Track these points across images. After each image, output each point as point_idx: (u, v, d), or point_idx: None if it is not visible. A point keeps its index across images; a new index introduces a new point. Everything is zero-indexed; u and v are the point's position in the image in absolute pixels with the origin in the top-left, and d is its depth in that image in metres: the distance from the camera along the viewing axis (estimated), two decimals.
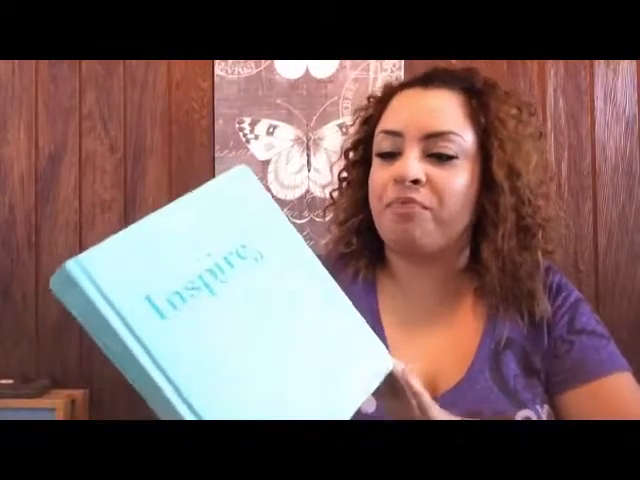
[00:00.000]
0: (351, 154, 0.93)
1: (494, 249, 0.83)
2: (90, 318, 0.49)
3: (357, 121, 0.94)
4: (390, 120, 0.86)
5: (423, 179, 0.81)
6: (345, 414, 0.57)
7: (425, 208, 0.81)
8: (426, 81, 0.86)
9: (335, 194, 0.96)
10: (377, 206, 0.85)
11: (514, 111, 0.86)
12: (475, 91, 0.85)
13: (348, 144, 0.94)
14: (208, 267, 0.54)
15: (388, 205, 0.83)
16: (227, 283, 0.54)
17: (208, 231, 0.56)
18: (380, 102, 0.90)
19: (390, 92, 0.89)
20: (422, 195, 0.81)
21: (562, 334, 0.84)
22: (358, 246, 0.90)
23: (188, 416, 0.48)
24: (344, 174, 0.95)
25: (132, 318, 0.48)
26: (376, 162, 0.87)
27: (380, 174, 0.85)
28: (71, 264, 0.47)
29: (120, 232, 0.50)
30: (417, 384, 0.65)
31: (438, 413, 0.65)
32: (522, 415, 0.80)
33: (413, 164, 0.81)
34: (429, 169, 0.82)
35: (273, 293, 0.57)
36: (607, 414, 0.78)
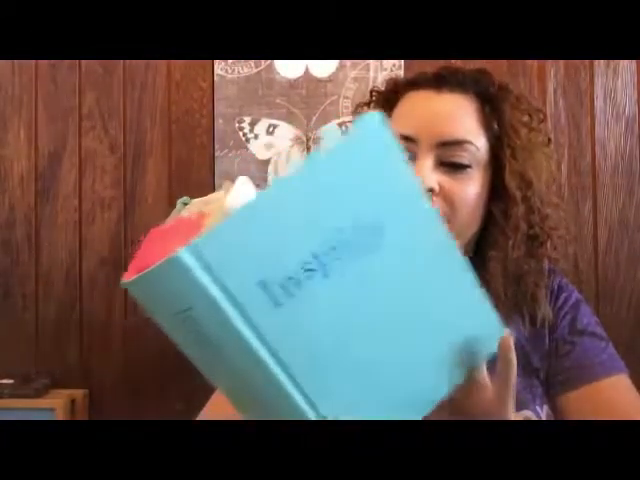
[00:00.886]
0: None
1: (503, 257, 0.81)
2: (195, 311, 0.46)
3: None
4: (402, 123, 0.82)
5: (437, 188, 0.79)
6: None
7: None
8: (439, 83, 0.83)
9: None
10: None
11: (525, 118, 0.84)
12: (488, 96, 0.83)
13: None
14: (324, 245, 0.49)
15: None
16: (342, 261, 0.49)
17: (326, 203, 0.49)
18: (387, 101, 0.87)
19: (397, 90, 0.87)
20: (435, 204, 0.79)
21: (564, 334, 0.84)
22: None
23: (310, 413, 0.47)
24: None
25: (249, 307, 0.46)
26: None
27: None
28: (183, 252, 0.43)
29: (234, 212, 0.46)
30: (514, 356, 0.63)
31: (512, 403, 0.65)
32: (522, 415, 0.80)
33: (428, 173, 0.79)
34: (442, 178, 0.80)
35: (391, 273, 0.52)
36: (606, 415, 0.78)
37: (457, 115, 0.81)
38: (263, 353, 0.47)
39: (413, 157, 0.80)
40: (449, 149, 0.79)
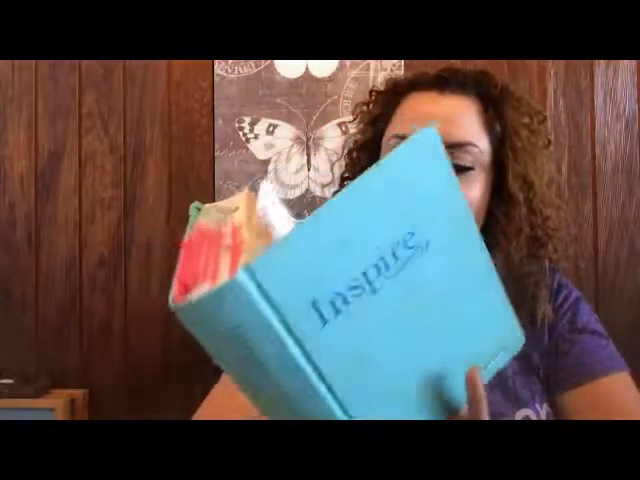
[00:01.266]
0: (355, 154, 0.90)
1: (505, 258, 0.81)
2: (244, 329, 0.46)
3: (361, 119, 0.90)
4: (405, 125, 0.82)
5: None
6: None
7: None
8: (441, 85, 0.83)
9: None
10: None
11: (526, 120, 0.84)
12: (490, 98, 0.83)
13: (352, 144, 0.90)
14: (373, 262, 0.49)
15: None
16: (390, 279, 0.50)
17: (378, 219, 0.50)
18: (388, 102, 0.86)
19: (398, 91, 0.86)
20: None
21: (563, 332, 0.84)
22: None
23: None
24: (347, 175, 0.91)
25: (298, 326, 0.46)
26: None
27: None
28: (241, 275, 0.43)
29: (287, 233, 0.47)
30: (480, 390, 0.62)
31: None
32: (521, 414, 0.80)
33: None
34: None
35: (434, 285, 0.54)
36: (606, 414, 0.78)
37: (460, 117, 0.81)
38: (307, 369, 0.47)
39: None
40: (452, 151, 0.79)
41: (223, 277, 0.46)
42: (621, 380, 0.83)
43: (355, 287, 0.48)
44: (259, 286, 0.44)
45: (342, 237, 0.48)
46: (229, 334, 0.46)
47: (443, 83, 0.83)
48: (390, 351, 0.51)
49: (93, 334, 1.77)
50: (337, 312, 0.48)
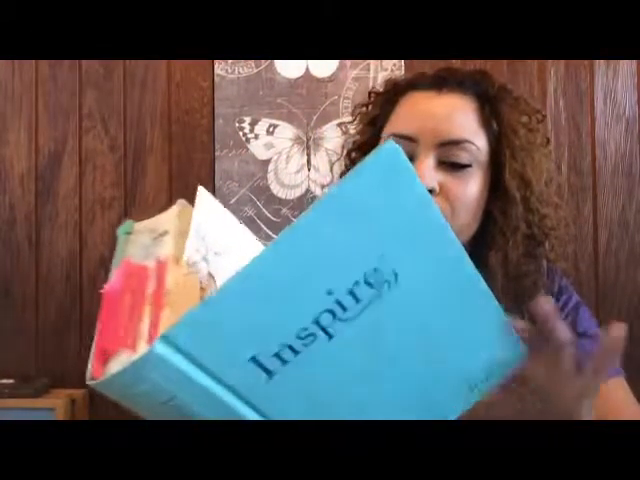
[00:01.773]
0: (354, 155, 0.90)
1: (502, 257, 0.82)
2: (180, 399, 0.43)
3: (360, 120, 0.90)
4: (402, 123, 0.83)
5: (437, 188, 0.79)
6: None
7: None
8: (439, 84, 0.83)
9: None
10: None
11: (524, 119, 0.84)
12: (488, 97, 0.83)
13: (351, 145, 0.91)
14: (325, 308, 0.43)
15: None
16: (349, 322, 0.44)
17: (327, 262, 0.43)
18: (386, 102, 0.87)
19: (396, 91, 0.87)
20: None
21: None
22: None
23: None
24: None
25: (240, 384, 0.43)
26: None
27: None
28: (158, 345, 0.40)
29: (215, 292, 0.42)
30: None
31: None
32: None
33: (429, 173, 0.79)
34: (443, 178, 0.80)
35: (408, 319, 0.47)
36: (600, 418, 0.77)
37: (457, 115, 0.81)
38: (256, 418, 0.46)
39: (412, 157, 0.81)
40: (449, 149, 0.80)
41: (142, 345, 0.43)
42: (617, 385, 0.82)
43: (305, 336, 0.44)
44: (183, 353, 0.41)
45: (282, 287, 0.42)
46: (162, 404, 0.44)
47: (441, 82, 0.83)
48: (352, 395, 0.48)
49: (93, 334, 1.77)
50: (284, 362, 0.44)
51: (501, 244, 0.82)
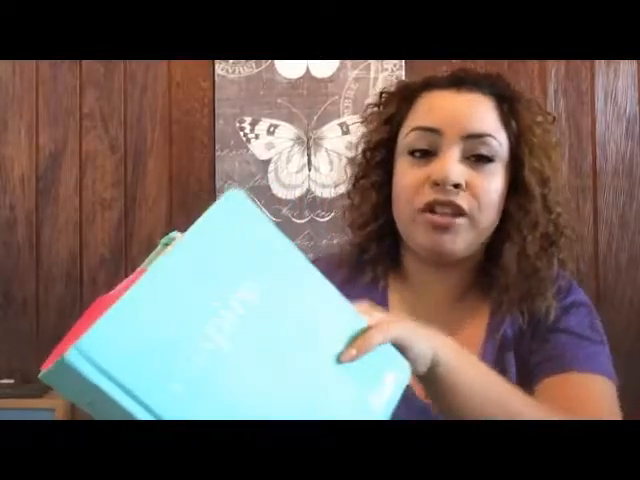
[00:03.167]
0: (370, 154, 0.89)
1: (518, 253, 0.82)
2: (99, 404, 0.46)
3: (373, 119, 0.90)
4: (425, 118, 0.83)
5: (464, 184, 0.79)
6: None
7: (463, 215, 0.79)
8: (458, 83, 0.84)
9: (353, 195, 0.91)
10: (406, 210, 0.82)
11: (540, 118, 0.85)
12: (505, 97, 0.84)
13: (367, 144, 0.90)
14: (212, 323, 0.50)
15: (421, 210, 0.80)
16: (234, 335, 0.50)
17: (205, 282, 0.51)
18: (403, 100, 0.87)
19: (412, 90, 0.87)
20: (462, 199, 0.79)
21: (540, 333, 0.83)
22: (376, 252, 0.87)
23: None
24: (362, 174, 0.90)
25: (147, 396, 0.46)
26: (405, 161, 0.83)
27: (412, 175, 0.81)
28: (70, 353, 0.44)
29: (115, 304, 0.46)
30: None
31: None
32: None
33: (455, 166, 0.79)
34: (468, 172, 0.80)
35: (281, 329, 0.53)
36: (570, 410, 0.73)
37: (478, 111, 0.82)
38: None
39: (436, 150, 0.81)
40: (474, 142, 0.80)
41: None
42: (598, 383, 0.79)
43: (200, 351, 0.48)
44: (92, 363, 0.44)
45: (169, 303, 0.48)
46: (87, 407, 0.48)
47: (459, 81, 0.84)
48: (253, 401, 0.51)
49: None
50: (187, 375, 0.48)
51: (517, 239, 0.82)
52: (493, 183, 0.81)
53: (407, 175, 0.82)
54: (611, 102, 1.74)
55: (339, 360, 0.56)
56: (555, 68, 1.74)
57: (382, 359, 0.58)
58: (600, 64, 1.74)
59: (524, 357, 0.83)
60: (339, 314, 0.58)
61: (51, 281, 1.80)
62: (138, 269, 0.55)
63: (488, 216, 0.81)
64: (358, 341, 0.57)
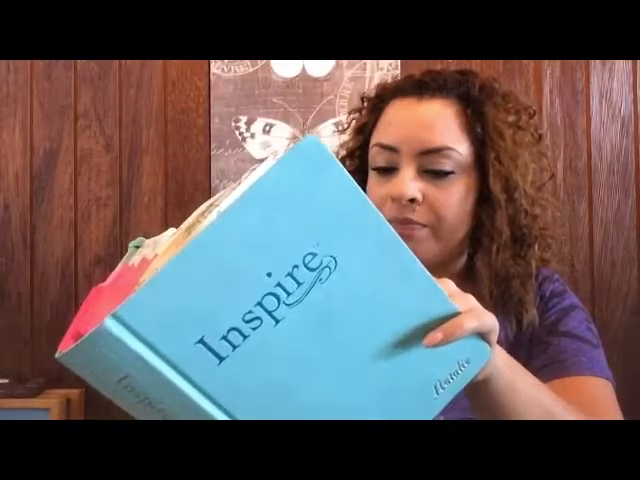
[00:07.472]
0: (348, 162, 0.90)
1: (488, 260, 0.82)
2: (132, 379, 0.44)
3: (351, 127, 0.91)
4: (385, 133, 0.84)
5: (420, 198, 0.80)
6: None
7: (423, 226, 0.80)
8: (420, 90, 0.83)
9: None
10: None
11: (512, 118, 0.84)
12: (471, 99, 0.83)
13: (344, 152, 0.91)
14: (269, 291, 0.45)
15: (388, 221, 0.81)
16: (293, 306, 0.46)
17: (262, 246, 0.45)
18: (373, 109, 0.88)
19: (384, 97, 0.87)
20: (419, 214, 0.80)
21: (541, 336, 0.83)
22: None
23: None
24: None
25: (189, 368, 0.44)
26: (372, 175, 0.85)
27: (377, 190, 0.83)
28: (108, 321, 0.41)
29: (159, 269, 0.43)
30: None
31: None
32: None
33: (409, 183, 0.80)
34: (425, 186, 0.80)
35: (349, 306, 0.48)
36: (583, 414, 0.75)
37: (437, 122, 0.81)
38: (209, 408, 0.46)
39: (396, 167, 0.82)
40: (430, 157, 0.80)
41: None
42: (598, 385, 0.79)
43: (251, 319, 0.45)
44: (133, 331, 0.42)
45: (221, 270, 0.44)
46: (117, 382, 0.45)
47: (422, 88, 0.84)
48: (305, 379, 0.48)
49: None
50: (234, 347, 0.45)
51: (487, 246, 0.82)
52: (453, 194, 0.81)
53: (373, 190, 0.84)
54: (606, 102, 1.74)
55: (420, 343, 0.51)
56: (550, 68, 1.75)
57: (463, 342, 0.53)
58: (595, 64, 1.74)
59: (522, 363, 0.83)
60: (424, 295, 0.52)
61: (46, 280, 1.80)
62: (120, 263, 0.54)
63: (451, 227, 0.81)
64: (447, 325, 0.53)
